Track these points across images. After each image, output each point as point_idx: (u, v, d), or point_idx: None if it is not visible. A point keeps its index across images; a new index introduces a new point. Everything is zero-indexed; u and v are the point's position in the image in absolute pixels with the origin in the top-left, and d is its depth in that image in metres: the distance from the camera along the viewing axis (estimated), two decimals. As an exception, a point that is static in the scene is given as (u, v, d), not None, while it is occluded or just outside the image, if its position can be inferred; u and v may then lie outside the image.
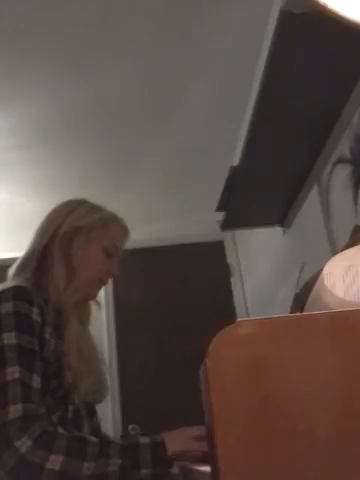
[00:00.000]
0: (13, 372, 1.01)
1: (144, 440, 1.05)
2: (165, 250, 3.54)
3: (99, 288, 1.37)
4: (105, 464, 0.99)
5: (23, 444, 0.95)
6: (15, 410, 0.97)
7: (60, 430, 1.01)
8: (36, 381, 1.03)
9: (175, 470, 1.10)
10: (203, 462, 1.02)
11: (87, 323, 1.37)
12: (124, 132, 2.53)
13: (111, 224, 1.36)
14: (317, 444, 0.65)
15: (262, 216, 2.39)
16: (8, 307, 1.08)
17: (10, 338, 1.05)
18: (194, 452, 1.08)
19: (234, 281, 3.49)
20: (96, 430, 1.29)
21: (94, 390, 1.25)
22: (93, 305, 1.40)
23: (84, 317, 1.35)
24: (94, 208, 1.37)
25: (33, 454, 0.95)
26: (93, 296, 1.37)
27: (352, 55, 1.39)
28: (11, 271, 1.30)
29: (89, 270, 1.30)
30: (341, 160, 1.75)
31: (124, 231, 1.40)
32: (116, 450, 1.02)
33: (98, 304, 1.42)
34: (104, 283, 1.37)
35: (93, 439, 1.03)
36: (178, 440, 1.09)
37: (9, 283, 1.21)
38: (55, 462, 0.95)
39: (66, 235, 1.28)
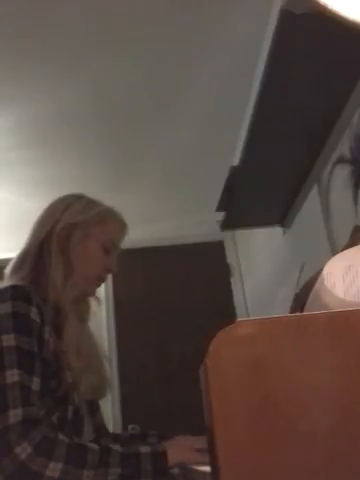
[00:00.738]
0: (12, 375, 1.01)
1: (145, 449, 1.05)
2: (165, 250, 3.54)
3: (98, 285, 1.36)
4: (105, 473, 0.99)
5: (23, 450, 0.94)
6: (15, 414, 0.97)
7: (60, 436, 1.00)
8: (36, 383, 1.03)
9: (175, 470, 1.10)
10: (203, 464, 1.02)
11: (86, 319, 1.36)
12: (124, 132, 2.53)
13: (109, 220, 1.35)
14: (317, 444, 0.65)
15: (262, 216, 2.39)
16: (6, 308, 1.07)
17: (9, 340, 1.04)
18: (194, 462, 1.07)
19: (234, 281, 3.49)
20: (99, 427, 1.29)
21: (95, 388, 1.24)
22: (92, 301, 1.39)
23: (83, 313, 1.34)
24: (91, 203, 1.35)
25: (33, 461, 0.94)
26: (92, 293, 1.36)
27: (352, 55, 1.39)
28: (8, 270, 1.28)
29: (87, 267, 1.29)
30: (341, 160, 1.75)
31: (122, 226, 1.38)
32: (116, 458, 1.01)
33: (97, 300, 1.40)
34: (103, 280, 1.35)
35: (93, 447, 1.03)
36: (179, 451, 1.08)
37: (6, 282, 1.19)
38: (54, 470, 0.95)
39: (63, 231, 1.27)
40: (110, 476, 0.99)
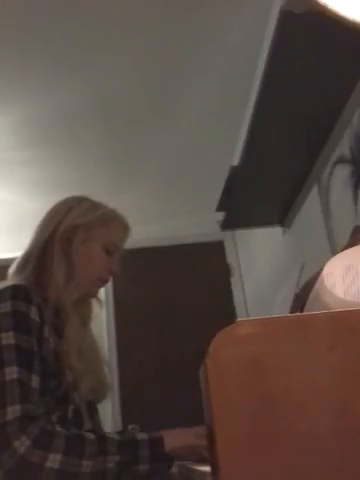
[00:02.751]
0: (11, 372, 1.01)
1: (142, 436, 1.06)
2: (165, 250, 3.54)
3: (100, 286, 1.36)
4: (103, 461, 1.00)
5: (22, 444, 0.95)
6: (13, 411, 0.97)
7: (58, 428, 1.01)
8: (35, 381, 1.03)
9: (174, 470, 1.10)
10: (202, 461, 1.03)
11: (88, 321, 1.37)
12: (124, 132, 2.53)
13: (112, 221, 1.35)
14: (317, 444, 0.65)
15: (262, 216, 2.39)
16: (6, 306, 1.08)
17: (8, 338, 1.05)
18: (193, 448, 1.08)
19: (234, 281, 3.49)
20: (97, 429, 1.29)
21: (95, 389, 1.25)
22: (94, 302, 1.40)
23: (85, 315, 1.35)
24: (94, 205, 1.36)
25: (32, 454, 0.95)
26: (94, 294, 1.37)
27: (352, 55, 1.39)
28: (11, 270, 1.30)
29: (89, 268, 1.30)
30: (341, 160, 1.75)
31: (125, 228, 1.39)
32: (114, 446, 1.03)
33: (99, 301, 1.41)
34: (105, 281, 1.36)
35: (91, 436, 1.04)
36: (177, 436, 1.10)
37: (8, 282, 1.20)
38: (54, 461, 0.96)
39: (65, 233, 1.28)
40: (109, 463, 1.00)
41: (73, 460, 0.97)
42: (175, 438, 1.09)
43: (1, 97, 2.22)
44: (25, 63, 2.04)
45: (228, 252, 3.55)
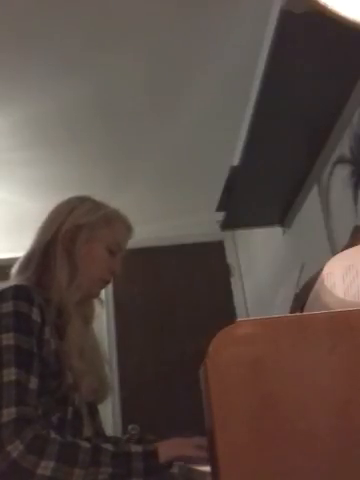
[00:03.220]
0: (10, 374, 1.01)
1: (136, 449, 1.05)
2: (165, 250, 3.54)
3: (102, 287, 1.36)
4: (96, 472, 0.99)
5: (15, 448, 0.95)
6: (9, 413, 0.97)
7: (53, 435, 1.00)
8: (33, 383, 1.03)
9: (175, 470, 1.10)
10: (201, 464, 1.03)
11: (90, 322, 1.37)
12: (124, 132, 2.53)
13: (114, 222, 1.35)
14: (317, 444, 0.65)
15: (262, 216, 2.39)
16: (8, 307, 1.08)
17: (8, 339, 1.05)
18: (190, 459, 1.08)
19: (234, 281, 3.49)
20: (97, 430, 1.29)
21: (95, 390, 1.24)
22: (96, 302, 1.40)
23: (88, 315, 1.35)
24: (97, 205, 1.35)
25: (24, 459, 0.95)
26: (96, 294, 1.36)
27: (352, 55, 1.39)
28: (13, 270, 1.29)
29: (92, 268, 1.29)
30: (341, 160, 1.75)
31: (128, 228, 1.38)
32: (107, 458, 1.01)
33: (101, 301, 1.41)
34: (107, 282, 1.36)
35: (86, 445, 1.03)
36: (174, 446, 1.09)
37: (10, 282, 1.20)
38: (46, 468, 0.95)
39: (68, 233, 1.27)
40: (101, 475, 0.99)
41: (65, 468, 0.97)
42: (171, 448, 1.08)
43: (1, 98, 2.22)
44: (25, 63, 2.04)
45: (228, 252, 3.55)
